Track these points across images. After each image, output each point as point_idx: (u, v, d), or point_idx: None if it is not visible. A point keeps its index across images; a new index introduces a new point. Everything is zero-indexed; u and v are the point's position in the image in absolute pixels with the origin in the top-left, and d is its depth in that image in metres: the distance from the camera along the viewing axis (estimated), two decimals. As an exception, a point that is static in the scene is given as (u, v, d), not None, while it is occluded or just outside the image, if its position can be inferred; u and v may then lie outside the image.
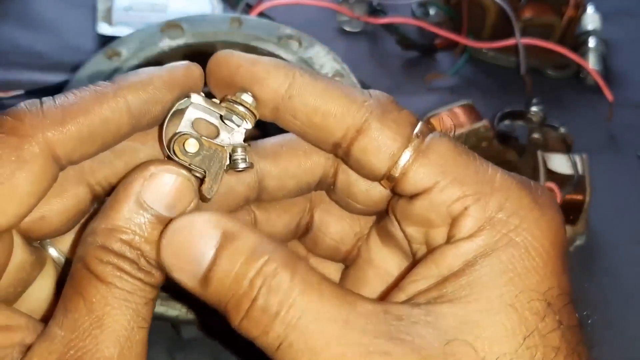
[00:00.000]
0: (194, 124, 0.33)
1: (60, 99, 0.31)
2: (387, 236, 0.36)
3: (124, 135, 0.32)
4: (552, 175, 0.62)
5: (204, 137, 0.32)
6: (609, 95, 0.76)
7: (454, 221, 0.31)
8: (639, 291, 0.61)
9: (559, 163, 0.63)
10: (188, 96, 0.33)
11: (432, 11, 0.84)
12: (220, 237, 0.29)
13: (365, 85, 0.62)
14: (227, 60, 0.33)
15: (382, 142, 0.32)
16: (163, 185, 0.30)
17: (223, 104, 0.33)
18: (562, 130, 0.66)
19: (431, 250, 0.32)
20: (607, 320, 0.57)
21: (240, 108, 0.32)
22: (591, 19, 0.83)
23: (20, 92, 0.71)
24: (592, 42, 0.81)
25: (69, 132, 0.30)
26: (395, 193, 0.33)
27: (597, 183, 0.62)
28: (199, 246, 0.29)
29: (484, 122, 0.65)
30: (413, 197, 0.32)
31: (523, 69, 0.77)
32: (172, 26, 0.62)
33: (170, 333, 0.55)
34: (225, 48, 0.61)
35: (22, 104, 0.30)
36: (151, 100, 0.32)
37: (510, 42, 0.78)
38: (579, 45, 0.81)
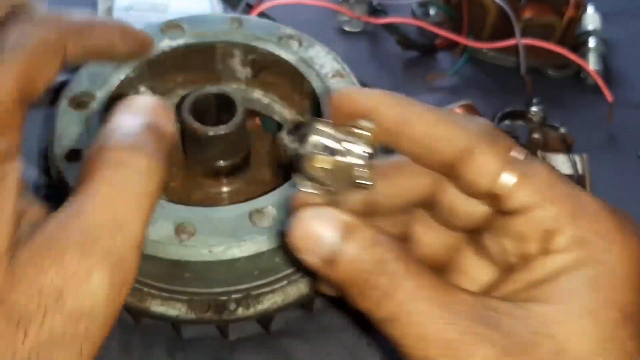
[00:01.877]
0: (320, 146, 0.37)
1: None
2: (480, 248, 0.40)
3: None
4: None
5: (332, 157, 0.36)
6: (608, 95, 0.76)
7: (548, 237, 0.35)
8: None
9: (559, 163, 0.63)
10: (314, 122, 0.37)
11: (432, 11, 0.84)
12: (343, 227, 0.34)
13: (365, 85, 0.62)
14: (349, 94, 0.38)
15: (489, 164, 0.36)
16: (146, 100, 0.36)
17: (345, 130, 0.37)
18: (563, 130, 0.66)
19: (525, 259, 0.37)
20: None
21: (361, 133, 0.37)
22: (591, 19, 0.83)
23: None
24: (592, 42, 0.81)
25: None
26: (496, 210, 0.38)
27: (596, 183, 0.62)
28: (325, 233, 0.34)
29: (484, 122, 0.65)
30: (512, 214, 0.37)
31: (523, 69, 0.78)
32: (172, 26, 0.62)
33: (171, 333, 0.55)
34: (226, 48, 0.62)
35: None
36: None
37: (510, 42, 0.78)
38: (579, 46, 0.82)
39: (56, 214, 0.32)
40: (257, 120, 0.67)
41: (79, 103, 0.56)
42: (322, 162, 0.36)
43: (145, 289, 0.51)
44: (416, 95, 0.79)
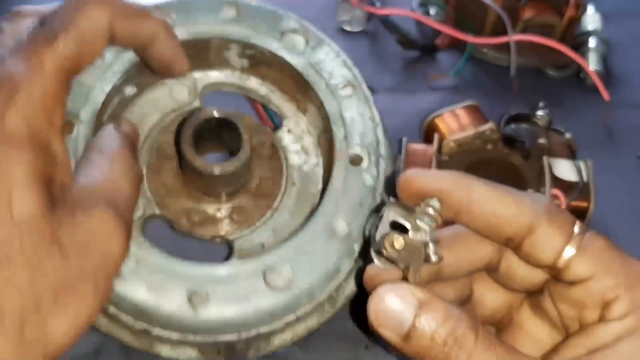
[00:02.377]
0: (391, 224, 0.41)
1: None
2: (539, 309, 0.44)
3: None
4: (557, 181, 0.62)
5: (405, 236, 0.40)
6: (605, 95, 0.76)
7: (605, 305, 0.39)
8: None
9: (564, 169, 0.63)
10: (385, 203, 0.42)
11: (432, 11, 0.84)
12: (417, 303, 0.37)
13: (372, 90, 0.61)
14: (417, 178, 0.42)
15: (550, 240, 0.40)
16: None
17: (415, 209, 0.41)
18: (568, 135, 0.66)
19: (584, 326, 0.40)
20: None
21: (430, 211, 0.41)
22: (591, 19, 0.83)
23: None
24: (592, 42, 0.81)
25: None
26: (555, 278, 0.41)
27: (596, 183, 0.62)
28: (400, 310, 0.37)
29: (490, 125, 0.65)
30: (571, 283, 0.40)
31: (513, 69, 0.77)
32: (162, 13, 0.56)
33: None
34: (221, 45, 0.59)
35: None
36: None
37: (506, 38, 0.78)
38: (579, 46, 0.82)
39: (77, 180, 0.42)
40: (261, 109, 0.64)
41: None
42: (396, 241, 0.40)
43: (154, 334, 0.50)
44: (417, 94, 0.80)
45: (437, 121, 0.68)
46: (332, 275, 0.51)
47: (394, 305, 0.37)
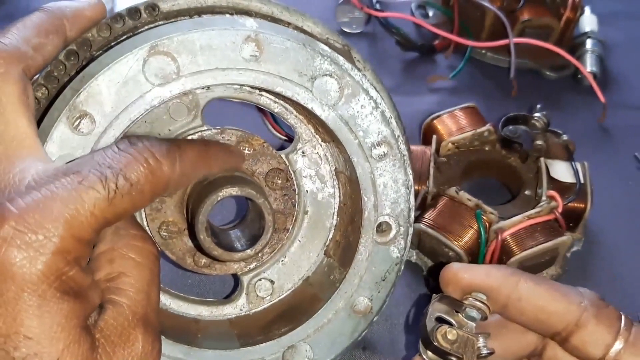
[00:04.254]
0: (438, 319, 0.41)
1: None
2: None
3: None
4: (554, 183, 0.63)
5: (457, 328, 0.41)
6: (601, 96, 0.77)
7: None
8: (637, 291, 0.62)
9: (561, 171, 0.63)
10: (435, 298, 0.42)
11: (430, 12, 0.84)
12: None
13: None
14: (464, 272, 0.43)
15: (598, 335, 0.41)
16: None
17: (463, 302, 0.42)
18: (565, 137, 0.66)
19: None
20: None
21: (478, 304, 0.41)
22: (588, 21, 0.84)
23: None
24: (589, 44, 0.82)
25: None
26: None
27: (593, 183, 0.63)
28: None
29: (488, 127, 0.66)
30: None
31: (512, 70, 0.78)
32: (159, 53, 0.43)
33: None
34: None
35: None
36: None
37: (506, 41, 0.79)
38: (576, 47, 0.82)
39: (111, 311, 0.38)
40: (270, 119, 0.62)
41: None
42: (449, 333, 0.40)
43: None
44: (417, 95, 0.80)
45: (436, 123, 0.69)
46: (351, 349, 0.53)
47: None
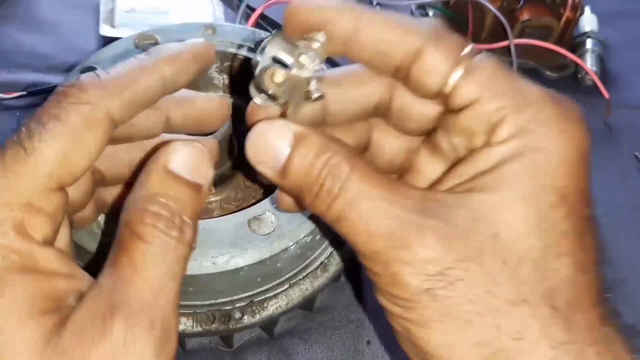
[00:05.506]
0: (273, 59, 0.38)
1: (112, 71, 0.37)
2: (434, 148, 0.41)
3: (156, 101, 0.40)
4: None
5: (287, 70, 0.37)
6: (605, 92, 0.77)
7: (492, 129, 0.36)
8: (637, 290, 0.62)
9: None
10: (271, 36, 0.38)
11: (431, 13, 0.85)
12: (294, 137, 0.36)
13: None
14: (302, 7, 0.38)
15: (436, 63, 0.37)
16: (185, 156, 0.36)
17: (300, 43, 0.38)
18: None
19: (470, 152, 0.37)
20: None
21: (315, 45, 0.38)
22: (588, 20, 0.84)
23: (22, 93, 0.72)
24: (589, 44, 0.82)
25: (123, 100, 0.37)
26: (446, 109, 0.39)
27: (594, 183, 0.62)
28: (277, 145, 0.36)
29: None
30: (460, 110, 0.37)
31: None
32: (145, 38, 0.59)
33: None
34: None
35: (83, 77, 0.36)
36: (181, 71, 0.40)
37: (505, 43, 0.79)
38: (576, 47, 0.82)
39: (98, 286, 0.34)
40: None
41: None
42: (277, 75, 0.37)
43: None
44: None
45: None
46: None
47: (270, 140, 0.36)
